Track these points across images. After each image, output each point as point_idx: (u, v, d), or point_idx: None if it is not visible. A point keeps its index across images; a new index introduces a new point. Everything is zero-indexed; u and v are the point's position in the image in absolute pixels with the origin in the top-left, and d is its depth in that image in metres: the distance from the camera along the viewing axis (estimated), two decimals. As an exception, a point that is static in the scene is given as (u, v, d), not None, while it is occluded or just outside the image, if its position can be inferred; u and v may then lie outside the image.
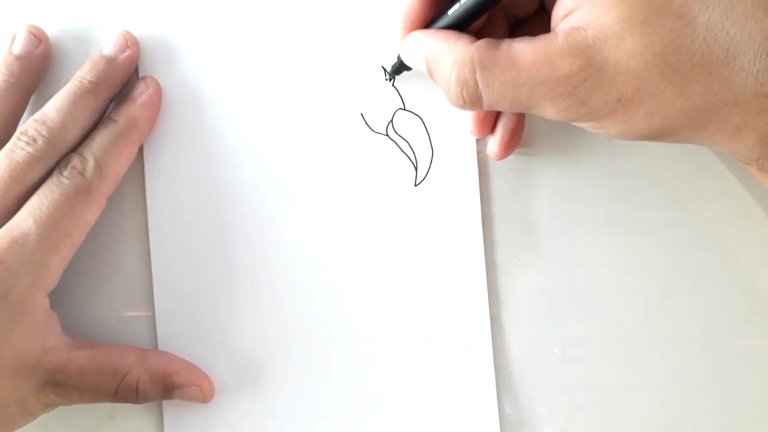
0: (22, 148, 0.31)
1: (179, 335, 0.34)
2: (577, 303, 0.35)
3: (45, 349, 0.31)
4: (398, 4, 0.31)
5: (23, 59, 0.33)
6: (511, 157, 0.34)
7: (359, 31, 0.34)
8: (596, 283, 0.35)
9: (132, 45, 0.33)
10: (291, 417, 0.35)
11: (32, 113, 0.32)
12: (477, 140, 0.34)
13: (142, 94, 0.33)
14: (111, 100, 0.33)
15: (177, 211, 0.34)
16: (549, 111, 0.28)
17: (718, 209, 0.35)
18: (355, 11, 0.34)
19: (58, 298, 0.32)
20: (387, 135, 0.35)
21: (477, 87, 0.28)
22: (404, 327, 0.35)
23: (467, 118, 0.33)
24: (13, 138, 0.31)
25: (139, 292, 0.35)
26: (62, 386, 0.31)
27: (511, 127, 0.33)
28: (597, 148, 0.35)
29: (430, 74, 0.30)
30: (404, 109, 0.34)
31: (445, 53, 0.29)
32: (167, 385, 0.33)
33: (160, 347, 0.34)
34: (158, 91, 0.34)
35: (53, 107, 0.32)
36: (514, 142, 0.33)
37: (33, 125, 0.31)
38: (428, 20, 0.31)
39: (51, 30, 0.34)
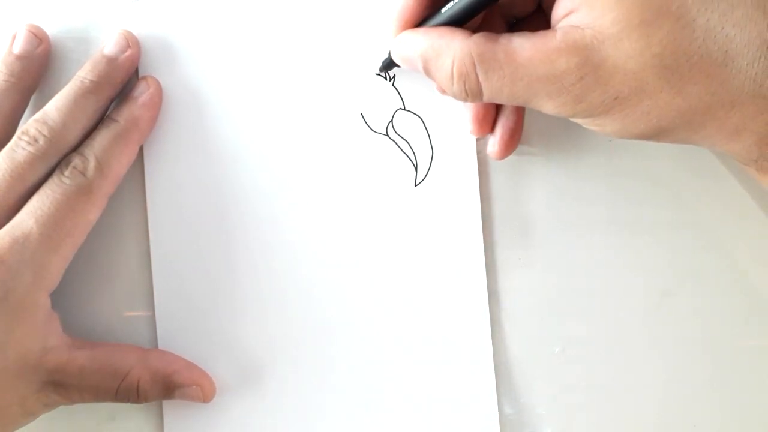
0: (24, 148, 0.31)
1: (179, 335, 0.34)
2: (577, 303, 0.35)
3: (46, 349, 0.31)
4: (392, 3, 0.31)
5: (24, 59, 0.33)
6: (511, 156, 0.34)
7: (359, 31, 0.34)
8: (596, 283, 0.35)
9: (133, 45, 0.33)
10: (291, 417, 0.35)
11: (33, 113, 0.32)
12: (477, 140, 0.34)
13: (142, 94, 0.33)
14: (112, 100, 0.33)
15: (177, 211, 0.34)
16: (546, 106, 0.28)
17: (718, 209, 0.35)
18: (355, 11, 0.34)
19: (58, 298, 0.32)
20: (387, 135, 0.35)
21: (477, 80, 0.28)
22: (404, 327, 0.35)
23: (467, 118, 0.33)
24: (15, 138, 0.31)
25: (139, 292, 0.35)
26: (63, 386, 0.31)
27: (511, 127, 0.33)
28: (597, 148, 0.35)
29: (427, 71, 0.30)
30: (404, 109, 0.34)
31: (444, 49, 0.29)
32: (168, 384, 0.33)
33: (160, 347, 0.34)
34: (159, 90, 0.34)
35: (54, 107, 0.32)
36: (513, 141, 0.33)
37: (34, 125, 0.31)
38: (421, 19, 0.31)
39: (51, 30, 0.34)
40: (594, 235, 0.35)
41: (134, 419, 0.35)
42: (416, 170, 0.35)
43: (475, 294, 0.34)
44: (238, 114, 0.34)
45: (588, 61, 0.26)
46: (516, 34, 0.28)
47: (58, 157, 0.31)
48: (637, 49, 0.26)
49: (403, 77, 0.34)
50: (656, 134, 0.28)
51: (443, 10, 0.30)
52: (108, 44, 0.33)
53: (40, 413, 0.32)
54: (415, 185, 0.35)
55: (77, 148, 0.32)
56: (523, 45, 0.27)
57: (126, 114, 0.33)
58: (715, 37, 0.25)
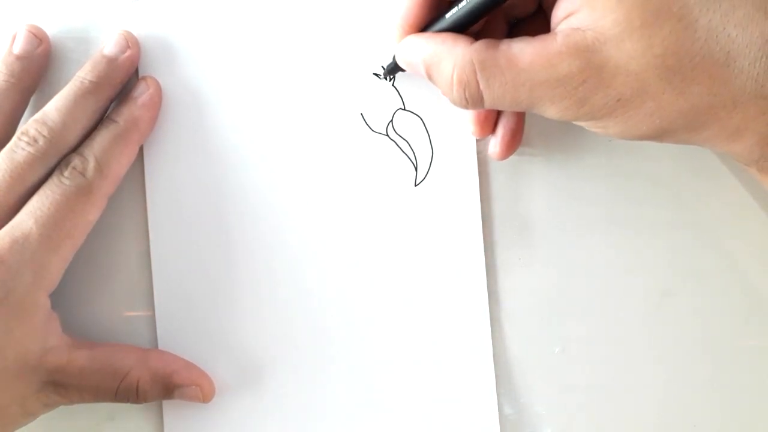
0: (23, 149, 0.31)
1: (179, 335, 0.34)
2: (577, 303, 0.35)
3: (45, 349, 0.31)
4: (395, 7, 0.31)
5: (24, 59, 0.33)
6: (511, 157, 0.34)
7: (359, 32, 0.34)
8: (596, 283, 0.35)
9: (133, 45, 0.33)
10: (291, 417, 0.35)
11: (33, 113, 0.32)
12: (477, 140, 0.34)
13: (142, 95, 0.33)
14: (112, 101, 0.33)
15: (177, 211, 0.34)
16: (549, 110, 0.28)
17: (718, 209, 0.35)
18: (355, 11, 0.34)
19: (58, 298, 0.32)
20: (387, 135, 0.35)
21: (478, 87, 0.28)
22: (404, 327, 0.35)
23: (468, 120, 0.33)
24: (14, 138, 0.31)
25: (139, 292, 0.35)
26: (63, 386, 0.31)
27: (512, 128, 0.33)
28: (597, 148, 0.35)
29: (429, 77, 0.30)
30: (404, 109, 0.34)
31: (445, 55, 0.29)
32: (167, 384, 0.33)
33: (160, 347, 0.34)
34: (158, 91, 0.34)
35: (54, 107, 0.32)
36: (515, 141, 0.33)
37: (34, 125, 0.31)
38: (425, 23, 0.31)
39: (51, 30, 0.34)
40: (594, 235, 0.35)
41: (134, 419, 0.35)
42: (416, 170, 0.35)
43: (475, 294, 0.34)
44: (238, 114, 0.34)
45: (590, 64, 0.26)
46: (516, 39, 0.28)
47: (58, 157, 0.31)
48: (638, 50, 0.26)
49: (403, 77, 0.34)
50: (659, 135, 0.28)
51: (447, 15, 0.30)
52: (108, 44, 0.33)
53: (40, 413, 0.32)
54: (415, 185, 0.35)
55: (77, 148, 0.32)
56: (524, 50, 0.27)
57: (126, 114, 0.33)
58: (717, 37, 0.25)
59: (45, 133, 0.31)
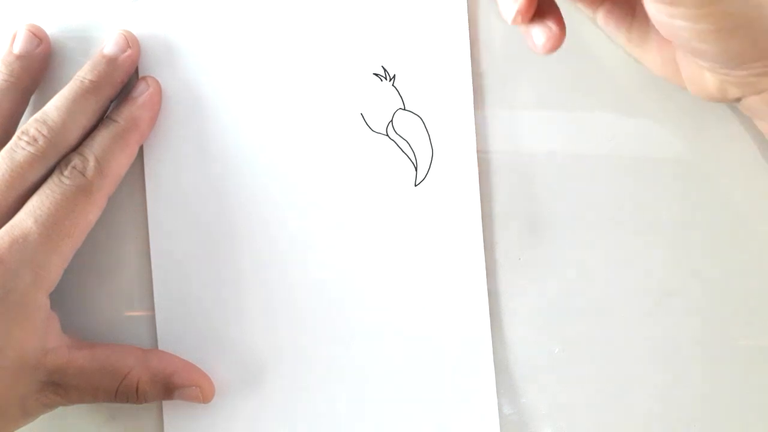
0: (23, 148, 0.31)
1: (179, 335, 0.34)
2: (577, 303, 0.35)
3: (45, 349, 0.31)
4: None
5: (23, 58, 0.33)
6: (511, 157, 0.34)
7: (359, 31, 0.34)
8: (596, 283, 0.35)
9: (133, 45, 0.33)
10: (291, 417, 0.35)
11: (33, 113, 0.32)
12: (477, 140, 0.34)
13: (142, 94, 0.33)
14: (112, 100, 0.33)
15: (177, 211, 0.34)
16: None
17: (718, 209, 0.35)
18: (355, 11, 0.34)
19: (58, 298, 0.32)
20: (387, 135, 0.35)
21: None
22: (404, 327, 0.35)
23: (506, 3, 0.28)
24: (14, 137, 0.31)
25: (139, 292, 0.35)
26: (62, 386, 0.31)
27: (558, 15, 0.29)
28: (597, 147, 0.35)
29: None
30: (404, 109, 0.34)
31: None
32: (167, 385, 0.33)
33: (160, 347, 0.34)
34: (159, 91, 0.34)
35: (54, 107, 0.32)
36: (564, 28, 0.29)
37: (34, 125, 0.31)
38: None
39: (51, 29, 0.34)
40: (594, 235, 0.35)
41: (134, 419, 0.35)
42: (416, 170, 0.35)
43: (475, 294, 0.34)
44: (238, 114, 0.34)
45: None
46: None
47: (58, 156, 0.31)
48: None
49: (403, 77, 0.34)
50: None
51: None
52: (108, 44, 0.33)
53: (40, 414, 0.32)
54: (415, 185, 0.35)
55: (77, 148, 0.32)
56: None
57: (126, 114, 0.33)
58: None
59: (45, 132, 0.31)
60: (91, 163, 0.31)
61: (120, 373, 0.32)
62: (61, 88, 0.32)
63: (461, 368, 0.34)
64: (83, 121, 0.32)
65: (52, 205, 0.30)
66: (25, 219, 0.30)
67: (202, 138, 0.34)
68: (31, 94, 0.34)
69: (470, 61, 0.34)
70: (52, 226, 0.30)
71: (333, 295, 0.35)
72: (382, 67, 0.34)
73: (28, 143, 0.31)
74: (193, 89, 0.34)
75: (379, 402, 0.35)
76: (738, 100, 0.31)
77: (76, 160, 0.31)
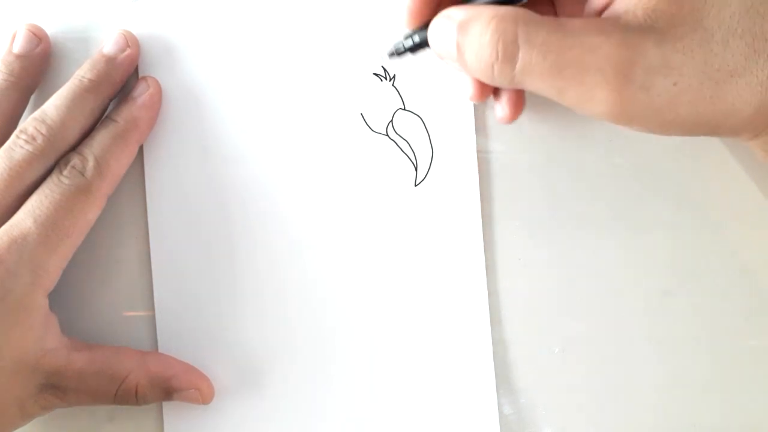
0: (22, 147, 0.31)
1: (179, 336, 0.34)
2: (577, 303, 0.35)
3: (44, 350, 0.31)
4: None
5: (23, 58, 0.33)
6: (511, 156, 0.34)
7: (359, 31, 0.34)
8: (596, 283, 0.35)
9: (132, 44, 0.33)
10: (291, 417, 0.34)
11: (32, 113, 0.32)
12: (477, 140, 0.34)
13: (142, 94, 0.33)
14: (111, 100, 0.33)
15: (177, 212, 0.34)
16: (596, 90, 0.24)
17: (718, 209, 0.35)
18: (355, 11, 0.34)
19: (57, 298, 0.32)
20: (387, 135, 0.35)
21: (516, 40, 0.24)
22: (404, 327, 0.34)
23: (467, 81, 0.31)
24: (13, 136, 0.31)
25: (139, 292, 0.35)
26: (60, 388, 0.31)
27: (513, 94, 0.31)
28: (597, 147, 0.35)
29: (459, 45, 0.26)
30: (404, 109, 0.34)
31: (485, 12, 0.25)
32: (166, 388, 0.33)
33: (160, 348, 0.34)
34: (159, 91, 0.34)
35: (53, 105, 0.31)
36: (521, 102, 0.31)
37: (32, 123, 0.31)
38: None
39: (51, 29, 0.34)
40: (594, 235, 0.35)
41: (134, 420, 0.35)
42: (416, 170, 0.35)
43: (475, 294, 0.34)
44: (238, 114, 0.34)
45: (646, 38, 0.24)
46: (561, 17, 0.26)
47: (57, 156, 0.31)
48: (690, 24, 0.24)
49: (403, 77, 0.34)
50: (717, 125, 0.26)
51: None
52: (107, 44, 0.33)
53: (38, 415, 0.32)
54: (415, 185, 0.35)
55: (76, 147, 0.32)
56: (572, 19, 0.25)
57: (125, 114, 0.33)
58: (748, 12, 0.25)
59: (43, 131, 0.31)
60: (91, 162, 0.31)
61: (119, 377, 0.32)
62: (61, 87, 0.32)
63: (461, 368, 0.34)
64: (82, 120, 0.32)
65: (51, 204, 0.30)
66: (24, 219, 0.30)
67: (203, 138, 0.34)
68: (30, 94, 0.34)
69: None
70: (51, 226, 0.30)
71: (333, 296, 0.35)
72: (382, 67, 0.34)
73: (27, 142, 0.31)
74: (193, 89, 0.34)
75: (379, 402, 0.34)
76: None
77: (75, 160, 0.31)
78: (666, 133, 0.26)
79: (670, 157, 0.35)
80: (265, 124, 0.34)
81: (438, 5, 0.29)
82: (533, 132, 0.34)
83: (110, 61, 0.33)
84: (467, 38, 0.26)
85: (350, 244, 0.34)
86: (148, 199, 0.34)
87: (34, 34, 0.33)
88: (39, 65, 0.33)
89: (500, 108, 0.31)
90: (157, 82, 0.34)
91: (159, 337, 0.34)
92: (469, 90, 0.31)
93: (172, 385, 0.33)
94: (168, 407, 0.34)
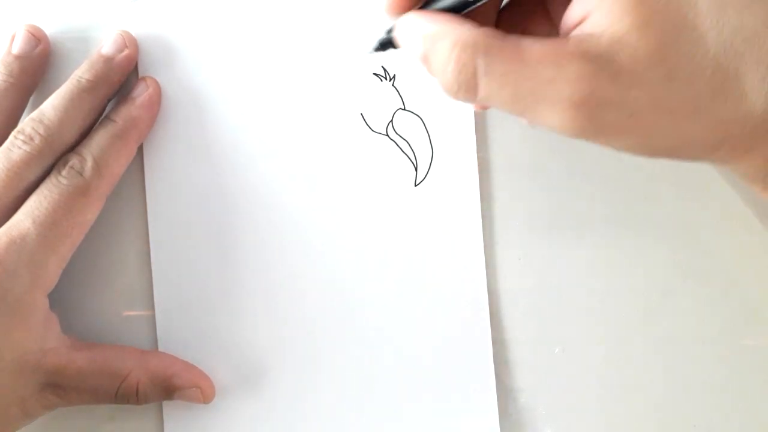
0: (20, 147, 0.31)
1: (179, 335, 0.34)
2: (577, 303, 0.35)
3: (44, 350, 0.31)
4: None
5: (22, 59, 0.33)
6: (511, 156, 0.34)
7: (359, 32, 0.34)
8: (596, 283, 0.35)
9: (130, 45, 0.33)
10: (291, 417, 0.35)
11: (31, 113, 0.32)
12: (477, 140, 0.34)
13: (141, 95, 0.33)
14: (109, 100, 0.33)
15: (177, 211, 0.34)
16: (552, 118, 0.25)
17: (718, 209, 0.35)
18: (355, 11, 0.34)
19: (57, 298, 0.32)
20: (387, 135, 0.35)
21: (476, 73, 0.25)
22: (404, 327, 0.34)
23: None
24: (11, 137, 0.31)
25: (139, 292, 0.35)
26: (62, 388, 0.31)
27: None
28: (597, 147, 0.34)
29: (425, 57, 0.27)
30: (404, 109, 0.34)
31: (448, 33, 0.26)
32: (167, 387, 0.33)
33: (160, 347, 0.34)
34: (158, 91, 0.34)
35: (51, 106, 0.31)
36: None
37: (30, 124, 0.31)
38: (417, 5, 0.29)
39: (50, 30, 0.34)
40: (594, 235, 0.35)
41: (134, 419, 0.35)
42: (416, 170, 0.35)
43: (475, 294, 0.34)
44: (238, 114, 0.34)
45: (603, 71, 0.24)
46: (525, 36, 0.26)
47: (55, 156, 0.31)
48: (656, 58, 0.24)
49: (403, 77, 0.34)
50: (671, 152, 0.26)
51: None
52: (105, 44, 0.33)
53: (39, 414, 0.32)
54: (415, 185, 0.35)
55: (74, 147, 0.32)
56: (534, 45, 0.25)
57: (124, 114, 0.33)
58: (725, 51, 0.24)
59: (41, 131, 0.31)
60: (89, 163, 0.31)
61: (120, 375, 0.32)
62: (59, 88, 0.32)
63: (461, 368, 0.34)
64: (80, 120, 0.32)
65: (50, 205, 0.30)
66: (23, 219, 0.30)
67: (202, 138, 0.34)
68: (30, 95, 0.34)
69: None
70: (50, 226, 0.30)
71: (333, 295, 0.35)
72: (382, 67, 0.34)
73: (25, 142, 0.31)
74: (193, 89, 0.34)
75: (380, 402, 0.35)
76: None
77: (73, 160, 0.31)
78: (626, 152, 0.27)
79: (671, 157, 0.35)
80: (265, 124, 0.34)
81: None
82: (533, 132, 0.34)
83: (108, 61, 0.33)
84: (432, 61, 0.27)
85: (350, 244, 0.34)
86: (148, 199, 0.34)
87: (33, 35, 0.33)
88: (38, 66, 0.33)
89: None
90: (156, 82, 0.34)
91: (159, 337, 0.34)
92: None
93: (173, 384, 0.33)
94: (168, 407, 0.34)
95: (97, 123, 0.33)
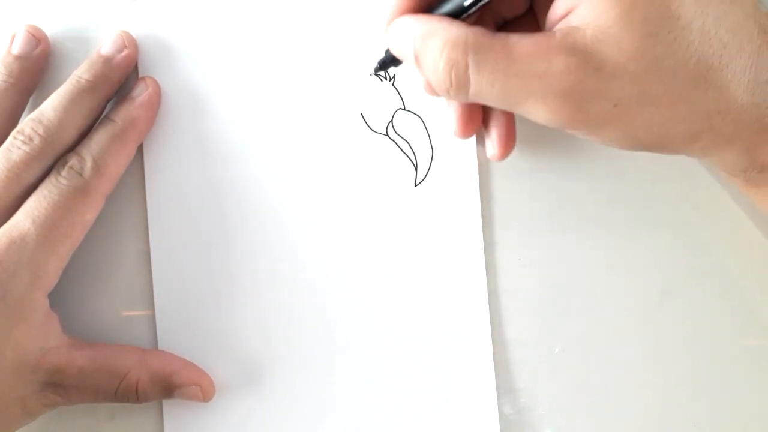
0: (19, 147, 0.31)
1: (179, 335, 0.34)
2: (577, 303, 0.35)
3: (45, 349, 0.31)
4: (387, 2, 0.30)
5: (22, 59, 0.33)
6: (511, 157, 0.34)
7: (359, 31, 0.34)
8: (596, 283, 0.35)
9: (130, 45, 0.33)
10: (291, 416, 0.35)
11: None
12: (477, 140, 0.34)
13: (141, 94, 0.33)
14: (108, 100, 0.33)
15: (177, 211, 0.34)
16: (540, 111, 0.26)
17: (719, 209, 0.35)
18: (355, 11, 0.34)
19: (57, 298, 0.32)
20: (387, 135, 0.34)
21: (467, 70, 0.26)
22: (404, 327, 0.35)
23: (450, 117, 0.33)
24: (10, 137, 0.31)
25: (139, 292, 0.35)
26: (62, 386, 0.31)
27: (505, 125, 0.32)
28: (597, 147, 0.35)
29: (417, 57, 0.28)
30: (404, 109, 0.34)
31: (438, 32, 0.27)
32: (167, 385, 0.33)
33: (160, 347, 0.34)
34: (157, 91, 0.34)
35: (50, 106, 0.31)
36: (511, 141, 0.32)
37: (30, 124, 0.31)
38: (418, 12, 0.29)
39: (50, 30, 0.34)
40: (594, 236, 0.35)
41: (134, 419, 0.35)
42: (416, 170, 0.35)
43: (475, 294, 0.34)
44: (238, 114, 0.34)
45: (588, 63, 0.25)
46: (513, 33, 0.26)
47: (54, 156, 0.31)
48: (639, 49, 0.25)
49: (403, 77, 0.34)
50: (656, 144, 0.27)
51: (440, 6, 0.29)
52: (105, 44, 0.33)
53: (40, 413, 0.32)
54: (415, 185, 0.35)
55: (74, 148, 0.32)
56: (521, 41, 0.26)
57: (123, 114, 0.33)
58: (710, 40, 0.25)
59: (41, 131, 0.31)
60: (89, 163, 0.31)
61: (119, 373, 0.32)
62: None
63: (461, 368, 0.34)
64: (79, 120, 0.32)
65: (49, 205, 0.30)
66: (23, 220, 0.30)
67: (202, 138, 0.34)
68: (30, 95, 0.34)
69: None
70: (50, 226, 0.30)
71: (333, 295, 0.35)
72: (378, 63, 0.34)
73: (24, 142, 0.31)
74: (192, 89, 0.34)
75: (380, 402, 0.35)
76: None
77: (73, 160, 0.31)
78: (611, 145, 0.28)
79: (671, 157, 0.35)
80: (265, 123, 0.34)
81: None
82: (533, 132, 0.34)
83: (108, 61, 0.33)
84: (424, 60, 0.27)
85: (350, 244, 0.34)
86: (147, 199, 0.34)
87: (33, 36, 0.33)
88: (38, 66, 0.33)
89: (490, 146, 0.33)
90: (155, 82, 0.34)
91: (159, 337, 0.34)
92: (453, 127, 0.33)
93: (172, 382, 0.33)
94: (168, 406, 0.34)
95: (97, 123, 0.33)
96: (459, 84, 0.27)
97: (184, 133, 0.34)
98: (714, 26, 0.25)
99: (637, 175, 0.35)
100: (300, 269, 0.35)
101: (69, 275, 0.32)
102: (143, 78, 0.34)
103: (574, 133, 0.28)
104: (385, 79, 0.34)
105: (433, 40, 0.27)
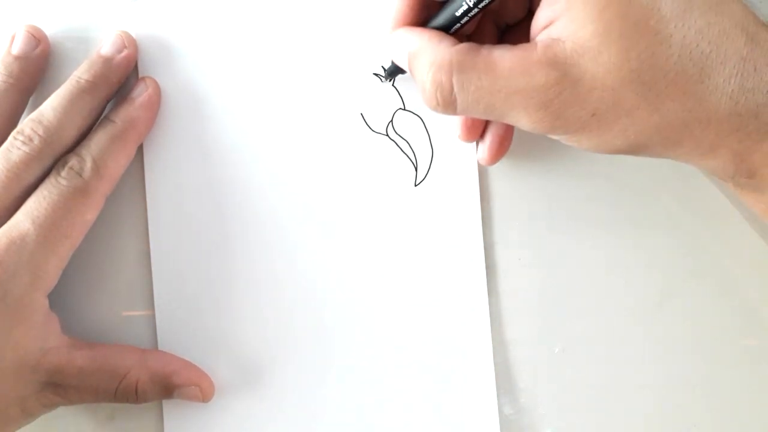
0: (19, 148, 0.31)
1: (179, 335, 0.34)
2: (577, 303, 0.35)
3: (44, 349, 0.31)
4: (389, 5, 0.31)
5: (22, 60, 0.33)
6: (511, 157, 0.34)
7: (359, 31, 0.34)
8: (596, 283, 0.35)
9: (129, 45, 0.33)
10: (291, 416, 0.35)
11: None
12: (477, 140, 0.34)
13: (141, 95, 0.33)
14: (108, 100, 0.33)
15: (177, 211, 0.34)
16: (523, 121, 0.27)
17: (719, 209, 0.35)
18: (355, 11, 0.34)
19: (57, 298, 0.32)
20: (387, 135, 0.34)
21: (452, 90, 0.28)
22: (404, 327, 0.35)
23: (456, 123, 0.33)
24: (10, 137, 0.31)
25: (139, 292, 0.35)
26: (62, 387, 0.31)
27: (500, 134, 0.33)
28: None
29: (411, 72, 0.29)
30: (404, 109, 0.34)
31: (425, 52, 0.28)
32: (167, 385, 0.33)
33: (160, 347, 0.34)
34: (157, 91, 0.34)
35: (50, 106, 0.31)
36: (502, 149, 0.33)
37: (29, 124, 0.31)
38: (418, 21, 0.30)
39: (50, 30, 0.34)
40: (594, 236, 0.35)
41: (134, 419, 0.35)
42: (416, 170, 0.35)
43: (475, 294, 0.34)
44: (237, 114, 0.34)
45: (567, 76, 0.26)
46: (498, 46, 0.27)
47: (54, 156, 0.31)
48: (616, 63, 0.25)
49: (404, 77, 0.34)
50: (633, 150, 0.28)
51: (437, 15, 0.29)
52: (104, 44, 0.33)
53: (40, 414, 0.32)
54: (415, 185, 0.35)
55: (73, 148, 0.32)
56: (504, 56, 0.27)
57: (123, 114, 0.33)
58: (690, 53, 0.25)
59: (40, 132, 0.31)
60: (88, 163, 0.31)
61: (119, 374, 0.32)
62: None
63: (461, 368, 0.34)
64: (79, 121, 0.32)
65: (49, 206, 0.30)
66: (23, 220, 0.30)
67: (202, 138, 0.34)
68: (30, 95, 0.34)
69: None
70: (50, 227, 0.30)
71: (333, 295, 0.35)
72: (382, 67, 0.34)
73: (24, 143, 0.31)
74: (192, 89, 0.34)
75: (380, 402, 0.35)
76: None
77: (73, 161, 0.31)
78: (591, 150, 0.28)
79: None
80: (264, 124, 0.34)
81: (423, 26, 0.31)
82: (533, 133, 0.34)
83: (107, 61, 0.33)
84: (414, 76, 0.29)
85: (350, 244, 0.34)
86: (147, 199, 0.34)
87: (33, 36, 0.33)
88: (38, 67, 0.33)
89: (482, 150, 0.34)
90: (155, 82, 0.34)
91: (159, 337, 0.34)
92: (457, 131, 0.34)
93: (172, 382, 0.33)
94: (168, 406, 0.34)
95: (97, 123, 0.33)
96: (446, 103, 0.28)
97: (184, 133, 0.34)
98: (696, 39, 0.25)
99: (637, 176, 0.35)
100: (300, 269, 0.35)
101: (69, 275, 0.32)
102: (143, 78, 0.34)
103: (555, 138, 0.29)
104: (387, 79, 0.34)
105: (420, 61, 0.28)
